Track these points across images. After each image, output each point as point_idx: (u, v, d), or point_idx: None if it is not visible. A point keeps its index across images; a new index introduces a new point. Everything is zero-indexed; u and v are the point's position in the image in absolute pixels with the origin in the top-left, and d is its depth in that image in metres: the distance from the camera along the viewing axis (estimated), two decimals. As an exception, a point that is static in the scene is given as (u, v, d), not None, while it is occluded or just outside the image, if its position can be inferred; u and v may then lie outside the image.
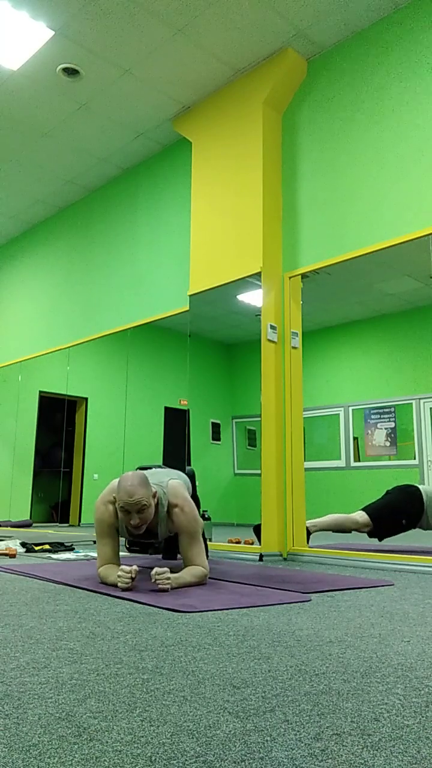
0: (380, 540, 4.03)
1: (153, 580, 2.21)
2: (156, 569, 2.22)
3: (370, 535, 4.05)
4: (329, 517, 4.07)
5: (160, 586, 2.20)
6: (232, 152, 4.32)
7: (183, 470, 3.08)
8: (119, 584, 2.23)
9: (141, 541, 2.73)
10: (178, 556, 3.55)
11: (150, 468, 2.88)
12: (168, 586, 2.21)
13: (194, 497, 3.04)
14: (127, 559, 3.42)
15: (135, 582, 2.36)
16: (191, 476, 3.06)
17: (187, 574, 2.35)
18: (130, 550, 3.84)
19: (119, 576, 2.23)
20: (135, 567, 2.24)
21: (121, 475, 2.40)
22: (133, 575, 2.22)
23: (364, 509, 4.10)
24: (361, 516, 4.03)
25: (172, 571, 2.33)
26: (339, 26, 3.85)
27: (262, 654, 1.37)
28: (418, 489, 4.10)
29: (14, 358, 6.80)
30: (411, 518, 4.02)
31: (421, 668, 1.28)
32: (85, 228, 6.04)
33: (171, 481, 2.52)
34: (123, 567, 2.24)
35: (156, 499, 2.39)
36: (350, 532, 4.14)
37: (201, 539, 2.47)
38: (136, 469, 2.71)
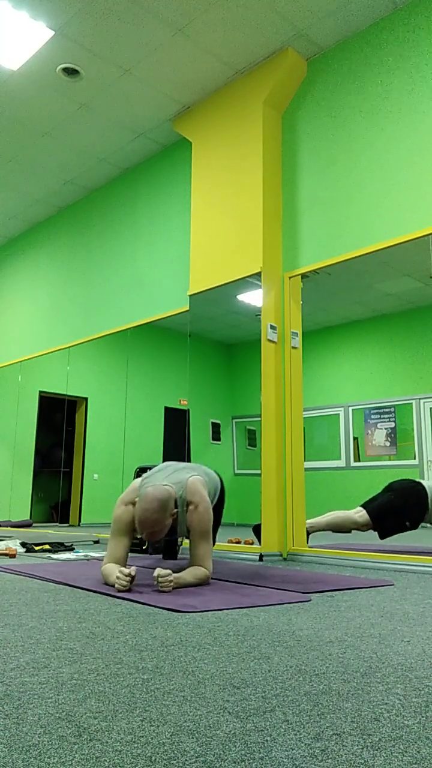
0: (382, 539, 4.00)
1: (156, 582, 2.21)
2: (159, 571, 2.22)
3: (373, 530, 4.01)
4: (328, 517, 4.02)
5: (162, 588, 2.20)
6: (232, 152, 4.32)
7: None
8: (116, 586, 2.22)
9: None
10: (179, 556, 3.55)
11: (178, 464, 2.75)
12: (170, 589, 2.21)
13: (219, 506, 2.99)
14: (128, 559, 3.42)
15: (135, 582, 2.37)
16: (221, 483, 3.04)
17: (189, 575, 2.35)
18: (130, 549, 3.85)
19: (117, 578, 2.23)
20: (134, 569, 2.24)
21: (145, 488, 2.36)
22: (132, 575, 2.22)
23: (364, 506, 4.05)
24: (361, 516, 3.97)
25: (174, 572, 2.33)
26: (339, 26, 3.85)
27: (262, 654, 1.37)
28: (422, 486, 4.03)
29: (14, 358, 6.80)
30: (414, 519, 3.96)
31: (421, 668, 1.28)
32: (85, 228, 6.04)
33: (191, 479, 2.51)
34: (122, 569, 2.24)
35: (175, 513, 2.39)
36: (350, 531, 4.10)
37: (210, 540, 2.47)
38: (166, 465, 2.68)
